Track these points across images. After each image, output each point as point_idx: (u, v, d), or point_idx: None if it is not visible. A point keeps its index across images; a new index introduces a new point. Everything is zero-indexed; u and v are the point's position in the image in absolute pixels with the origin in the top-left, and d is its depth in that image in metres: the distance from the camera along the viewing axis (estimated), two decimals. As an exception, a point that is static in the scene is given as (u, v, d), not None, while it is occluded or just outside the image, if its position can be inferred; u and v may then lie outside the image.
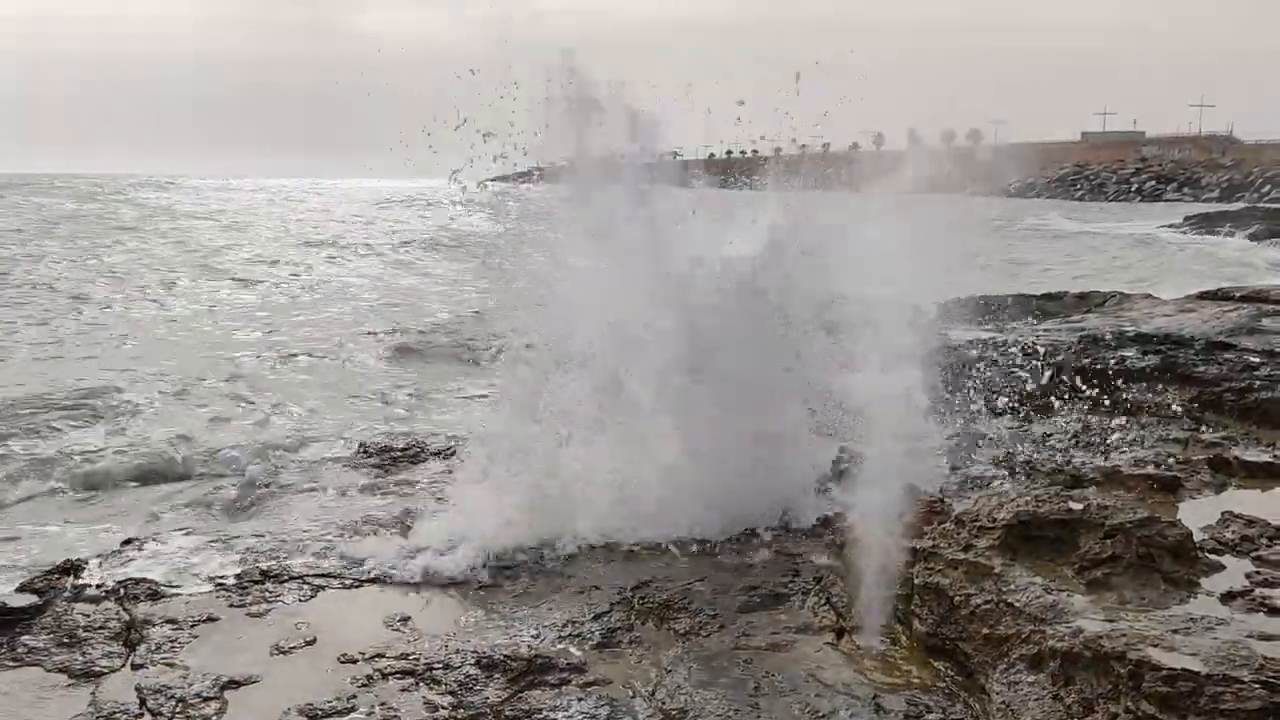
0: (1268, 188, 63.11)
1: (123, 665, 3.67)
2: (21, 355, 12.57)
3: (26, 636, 3.85)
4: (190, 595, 4.29)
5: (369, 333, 14.42)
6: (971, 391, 7.13)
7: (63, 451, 7.97)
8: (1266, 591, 3.47)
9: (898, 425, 6.33)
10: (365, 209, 50.51)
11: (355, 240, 32.47)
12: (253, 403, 10.16)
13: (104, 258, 25.25)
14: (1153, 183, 75.25)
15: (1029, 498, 4.08)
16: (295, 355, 12.81)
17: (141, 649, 3.78)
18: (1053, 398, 6.84)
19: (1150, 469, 4.96)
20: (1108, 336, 8.51)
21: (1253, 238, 31.65)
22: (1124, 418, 6.11)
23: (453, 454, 6.47)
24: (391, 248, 29.86)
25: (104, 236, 31.67)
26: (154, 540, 5.03)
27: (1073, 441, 5.79)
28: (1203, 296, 12.21)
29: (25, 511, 6.96)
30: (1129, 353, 7.57)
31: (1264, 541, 3.91)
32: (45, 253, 25.76)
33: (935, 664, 3.63)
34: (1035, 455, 5.43)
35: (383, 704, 3.34)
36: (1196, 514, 4.30)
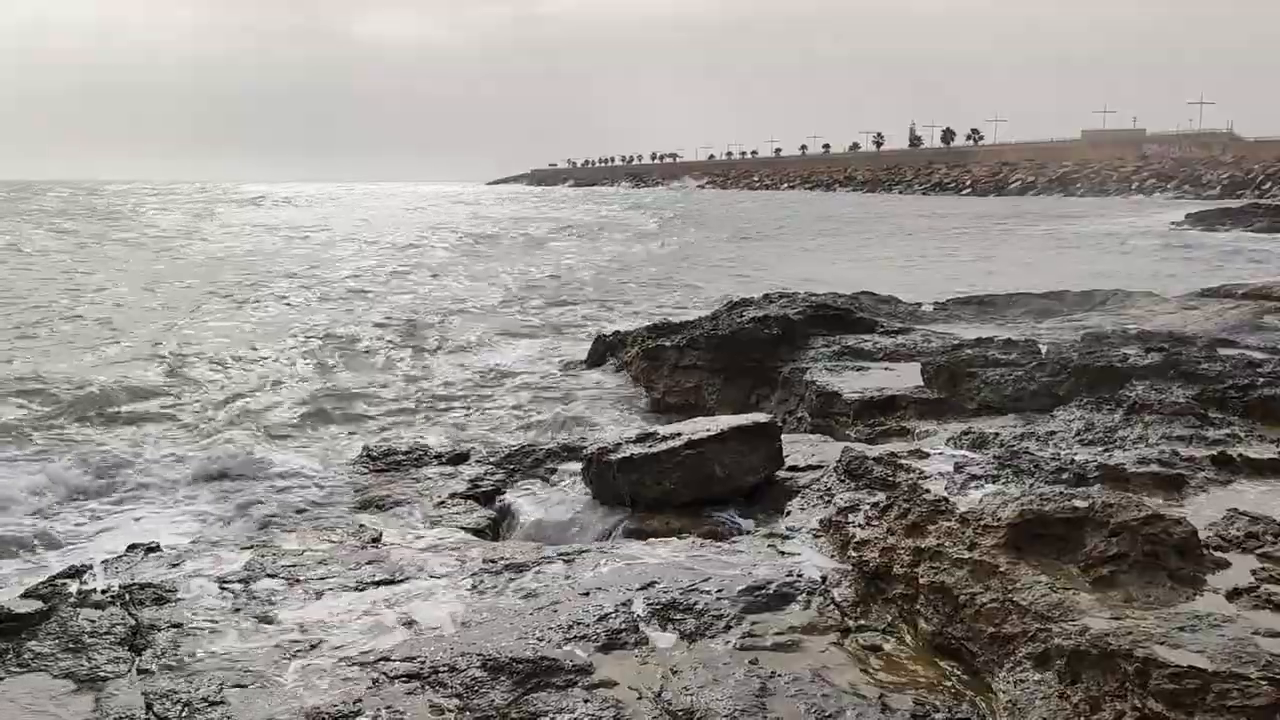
0: (1269, 184, 63.01)
1: (128, 670, 3.67)
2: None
3: (32, 642, 3.85)
4: (196, 598, 4.29)
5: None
6: (974, 389, 7.13)
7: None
8: (1272, 588, 3.46)
9: (901, 423, 6.32)
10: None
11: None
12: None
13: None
14: (1153, 181, 75.15)
15: (1033, 496, 4.08)
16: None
17: (147, 654, 3.78)
18: (1055, 395, 6.83)
19: (1155, 467, 4.95)
20: (1110, 334, 8.51)
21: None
22: (1127, 415, 6.10)
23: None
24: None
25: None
26: (160, 544, 5.03)
27: (1076, 439, 5.78)
28: (1205, 294, 12.22)
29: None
30: (1132, 350, 7.56)
31: (1269, 538, 3.90)
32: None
33: (941, 663, 3.63)
34: (1039, 453, 5.41)
35: (388, 707, 3.34)
36: (1201, 511, 4.29)
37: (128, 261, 25.64)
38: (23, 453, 8.12)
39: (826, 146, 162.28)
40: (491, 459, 6.93)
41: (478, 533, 5.71)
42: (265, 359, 12.81)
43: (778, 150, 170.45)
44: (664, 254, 31.20)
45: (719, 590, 4.14)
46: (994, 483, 4.78)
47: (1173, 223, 38.93)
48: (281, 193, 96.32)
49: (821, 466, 5.89)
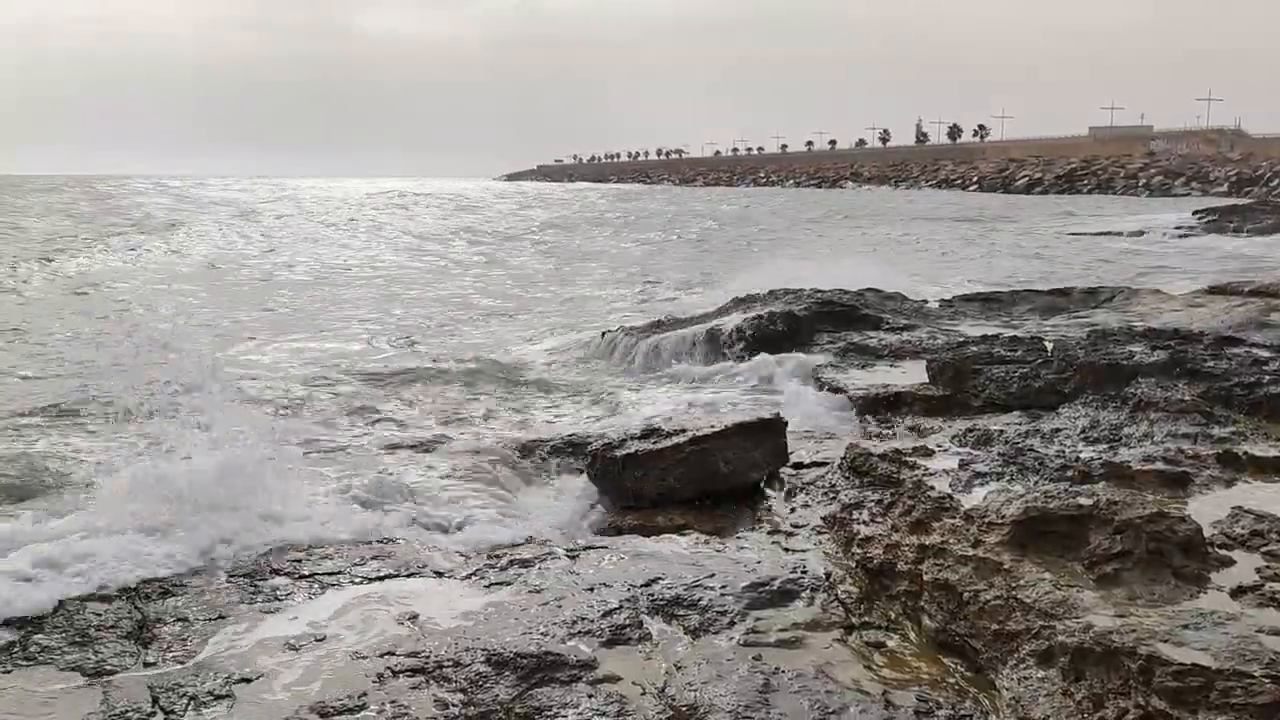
0: (1276, 182, 62.73)
1: (135, 663, 3.69)
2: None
3: (39, 635, 3.87)
4: (202, 592, 4.30)
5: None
6: (979, 386, 7.12)
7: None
8: (1277, 586, 3.46)
9: (906, 420, 6.31)
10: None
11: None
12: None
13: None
14: (1160, 177, 74.86)
15: (1038, 494, 4.08)
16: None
17: (153, 647, 3.80)
18: (1060, 393, 6.82)
19: (1160, 464, 4.94)
20: (1116, 331, 8.49)
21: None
22: (1132, 413, 6.09)
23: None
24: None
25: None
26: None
27: (1081, 437, 5.77)
28: (1212, 291, 12.18)
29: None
30: (1137, 348, 7.54)
31: (1274, 536, 3.89)
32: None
33: (945, 660, 3.63)
34: (1043, 451, 5.40)
35: (393, 701, 3.35)
36: (1206, 509, 4.29)
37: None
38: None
39: (833, 143, 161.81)
40: (496, 454, 6.93)
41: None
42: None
43: (784, 146, 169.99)
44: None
45: (723, 586, 4.15)
46: (998, 480, 4.77)
47: (1180, 220, 38.82)
48: (338, 191, 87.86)
49: (826, 463, 5.90)
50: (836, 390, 7.83)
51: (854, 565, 4.30)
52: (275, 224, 39.38)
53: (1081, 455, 5.15)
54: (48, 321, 13.33)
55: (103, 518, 4.77)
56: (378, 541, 5.01)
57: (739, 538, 4.90)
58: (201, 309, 15.32)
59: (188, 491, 4.85)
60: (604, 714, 3.28)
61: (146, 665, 3.67)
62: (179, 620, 4.01)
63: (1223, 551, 3.79)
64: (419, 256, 26.40)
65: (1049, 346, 7.96)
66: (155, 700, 3.39)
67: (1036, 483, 4.58)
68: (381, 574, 4.50)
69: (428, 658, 3.62)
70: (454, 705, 3.34)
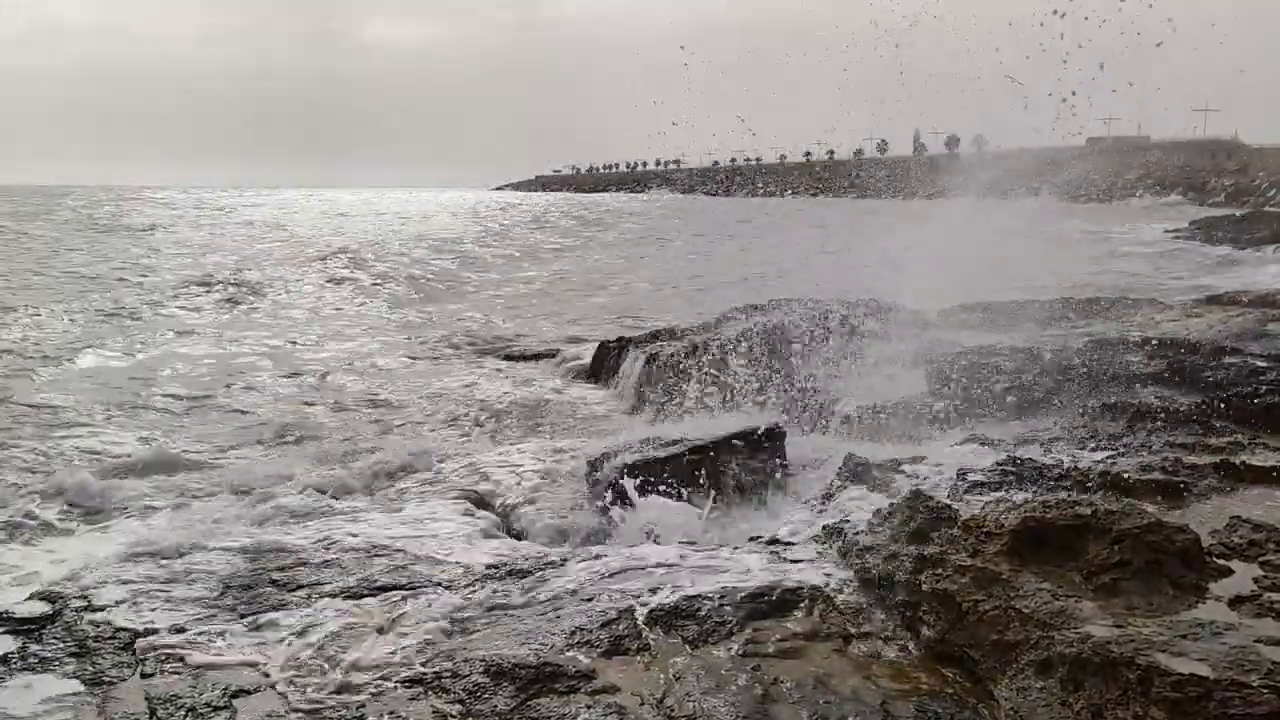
0: (1273, 192, 62.78)
1: (132, 674, 3.69)
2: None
3: (36, 646, 3.87)
4: (200, 602, 4.30)
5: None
6: (978, 396, 7.13)
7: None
8: (1275, 596, 3.46)
9: (905, 430, 6.32)
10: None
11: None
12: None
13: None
14: (1158, 188, 74.97)
15: (1036, 503, 4.08)
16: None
17: (151, 658, 3.79)
18: (1058, 402, 6.83)
19: (1157, 474, 4.94)
20: (1115, 341, 8.50)
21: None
22: (1131, 422, 6.10)
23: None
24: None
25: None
26: (169, 548, 5.04)
27: (1079, 446, 5.77)
28: (1210, 301, 12.20)
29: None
30: (1135, 358, 7.55)
31: (1272, 546, 3.90)
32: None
33: (943, 670, 3.62)
34: (1042, 460, 5.40)
35: (391, 712, 3.35)
36: (1204, 519, 4.29)
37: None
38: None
39: (831, 153, 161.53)
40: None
41: (481, 536, 5.72)
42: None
43: (782, 157, 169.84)
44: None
45: (721, 596, 4.14)
46: (997, 490, 4.78)
47: (1177, 230, 38.88)
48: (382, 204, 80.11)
49: (825, 473, 5.90)
50: (835, 399, 7.84)
51: (852, 575, 4.29)
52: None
53: (1080, 465, 5.16)
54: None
55: None
56: (378, 551, 5.01)
57: (737, 547, 4.89)
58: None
59: None
60: (603, 724, 3.27)
61: (144, 676, 3.66)
62: (177, 631, 4.01)
63: (1221, 561, 3.79)
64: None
65: (1047, 356, 7.97)
66: (153, 712, 3.39)
67: (1035, 492, 4.59)
68: (380, 584, 4.50)
69: (425, 668, 3.62)
70: (452, 716, 3.33)
